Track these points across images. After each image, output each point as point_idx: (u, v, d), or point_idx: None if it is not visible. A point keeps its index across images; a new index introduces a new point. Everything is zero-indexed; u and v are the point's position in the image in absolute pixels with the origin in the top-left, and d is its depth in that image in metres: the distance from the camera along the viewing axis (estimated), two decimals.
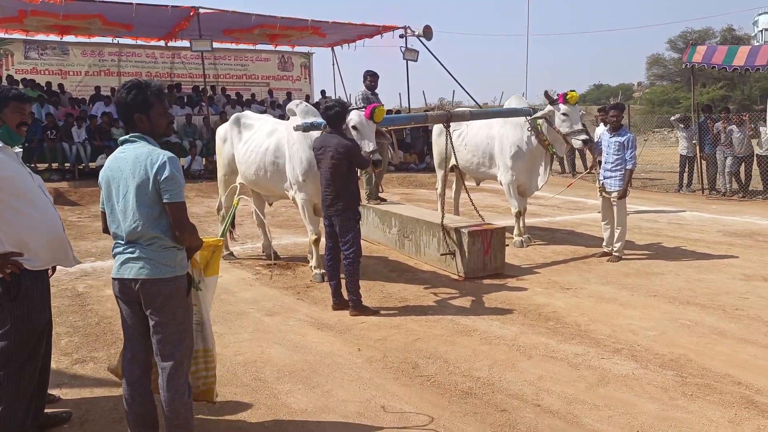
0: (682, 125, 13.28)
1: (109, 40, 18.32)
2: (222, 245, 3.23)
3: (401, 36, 17.01)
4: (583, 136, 6.94)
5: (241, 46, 19.73)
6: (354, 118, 5.30)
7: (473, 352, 4.22)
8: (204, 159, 15.06)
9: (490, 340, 4.45)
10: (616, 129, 6.85)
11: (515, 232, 7.66)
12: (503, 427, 3.20)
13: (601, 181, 6.96)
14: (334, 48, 19.58)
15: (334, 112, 5.04)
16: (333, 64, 19.92)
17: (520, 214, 7.62)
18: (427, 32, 16.32)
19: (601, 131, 10.52)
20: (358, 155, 5.02)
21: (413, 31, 16.62)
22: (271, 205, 7.54)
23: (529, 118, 7.17)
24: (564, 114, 6.92)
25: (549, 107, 7.03)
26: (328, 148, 5.00)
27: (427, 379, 3.81)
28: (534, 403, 3.46)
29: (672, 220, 9.50)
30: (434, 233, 6.57)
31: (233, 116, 6.95)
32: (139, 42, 18.58)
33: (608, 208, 6.94)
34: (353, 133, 5.24)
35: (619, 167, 6.75)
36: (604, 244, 7.07)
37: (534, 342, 4.39)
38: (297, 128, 5.73)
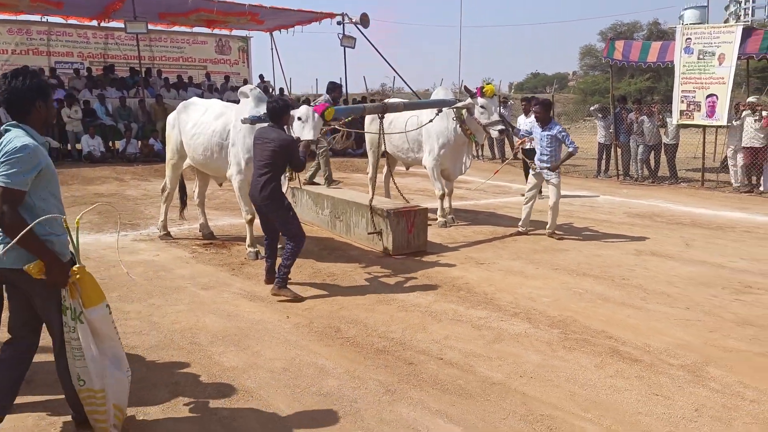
0: (600, 115, 14.21)
1: (37, 18, 17.81)
2: (82, 271, 2.83)
3: (339, 23, 17.33)
4: (499, 127, 7.47)
5: (178, 28, 19.56)
6: (302, 110, 5.59)
7: (390, 318, 4.73)
8: (139, 142, 15.02)
9: (406, 307, 4.97)
10: (545, 123, 7.42)
11: (438, 213, 8.19)
12: (409, 376, 3.72)
13: (537, 170, 7.53)
14: (273, 33, 19.68)
15: (272, 107, 5.24)
16: (271, 49, 20.04)
17: (443, 197, 8.13)
18: (364, 20, 16.71)
19: (523, 121, 11.24)
20: (296, 154, 5.20)
21: (350, 19, 16.97)
22: (221, 185, 7.82)
23: (452, 107, 7.68)
24: (482, 107, 7.41)
25: (469, 100, 7.50)
26: (268, 141, 5.16)
27: (347, 340, 4.29)
28: (437, 357, 4.00)
29: (585, 203, 10.32)
30: (363, 214, 7.04)
31: (182, 103, 7.20)
32: (71, 21, 18.14)
33: (535, 188, 7.63)
34: (296, 123, 5.52)
35: (554, 159, 7.39)
36: (520, 224, 7.73)
37: (445, 308, 4.94)
38: (244, 121, 5.93)
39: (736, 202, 10.70)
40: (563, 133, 7.40)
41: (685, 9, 66.65)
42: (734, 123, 11.88)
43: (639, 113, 13.26)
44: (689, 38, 12.55)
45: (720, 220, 8.84)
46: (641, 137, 13.10)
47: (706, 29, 12.75)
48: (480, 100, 7.43)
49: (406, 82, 21.76)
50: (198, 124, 6.71)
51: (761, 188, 11.73)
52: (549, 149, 7.39)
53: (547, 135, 7.39)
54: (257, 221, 5.89)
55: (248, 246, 6.55)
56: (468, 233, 7.84)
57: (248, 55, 21.73)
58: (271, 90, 20.18)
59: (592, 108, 14.80)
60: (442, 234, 7.71)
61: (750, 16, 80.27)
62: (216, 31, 20.24)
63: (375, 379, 3.67)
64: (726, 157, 12.82)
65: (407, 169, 9.83)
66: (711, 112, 12.16)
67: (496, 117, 7.50)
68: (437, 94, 8.28)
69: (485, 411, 3.30)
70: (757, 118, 11.51)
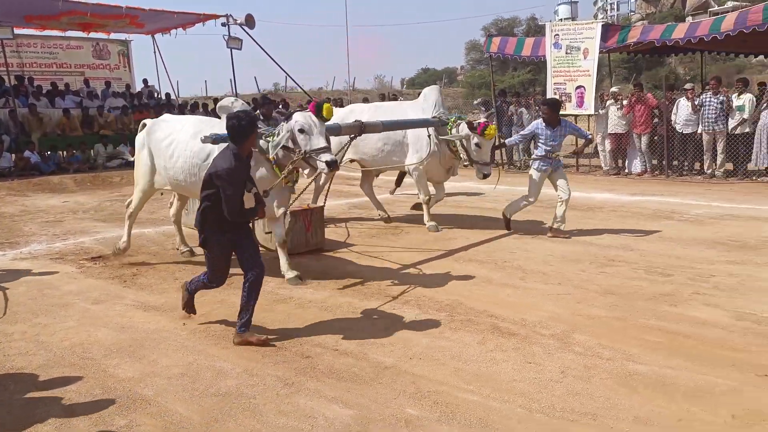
0: (483, 108, 15.00)
1: None
2: None
3: (223, 24, 17.03)
4: (486, 170, 7.33)
5: (49, 32, 18.42)
6: (299, 119, 5.21)
7: (288, 316, 4.87)
8: (13, 155, 14.07)
9: (303, 304, 5.13)
10: (555, 123, 7.18)
11: (426, 218, 7.86)
12: (306, 369, 3.89)
13: (545, 169, 7.28)
14: (155, 36, 19.01)
15: (231, 125, 4.24)
16: (154, 52, 19.34)
17: (429, 202, 7.86)
18: (249, 21, 16.54)
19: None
20: (227, 191, 4.12)
21: (235, 20, 16.74)
22: None
23: (449, 137, 7.38)
24: (477, 144, 7.19)
25: (466, 131, 7.21)
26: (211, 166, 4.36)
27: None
28: (333, 348, 4.19)
29: (474, 193, 10.90)
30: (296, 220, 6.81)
31: (151, 122, 6.56)
32: None
33: (537, 187, 7.36)
34: (300, 136, 5.17)
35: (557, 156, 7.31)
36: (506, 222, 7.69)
37: (341, 302, 5.14)
38: (205, 140, 5.39)
39: (605, 184, 11.71)
40: (572, 126, 7.57)
41: (559, 4, 71.02)
42: (600, 112, 12.96)
43: (518, 105, 14.13)
44: (557, 34, 13.52)
45: (591, 202, 9.67)
46: (521, 128, 13.96)
47: (571, 26, 13.82)
48: (476, 138, 7.17)
49: (296, 83, 21.67)
50: (174, 143, 6.06)
51: (626, 170, 12.89)
52: (557, 147, 7.25)
53: (560, 135, 7.25)
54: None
55: (284, 271, 5.81)
56: (363, 230, 8.09)
57: (129, 59, 20.86)
58: (156, 95, 19.50)
59: (475, 102, 15.59)
60: (338, 232, 7.91)
61: (615, 10, 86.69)
62: (93, 35, 19.23)
63: (273, 374, 3.81)
64: (596, 143, 13.95)
65: (377, 176, 9.21)
66: (580, 103, 13.19)
67: (487, 158, 7.31)
68: (427, 96, 7.90)
69: (377, 393, 3.53)
70: (619, 106, 12.63)
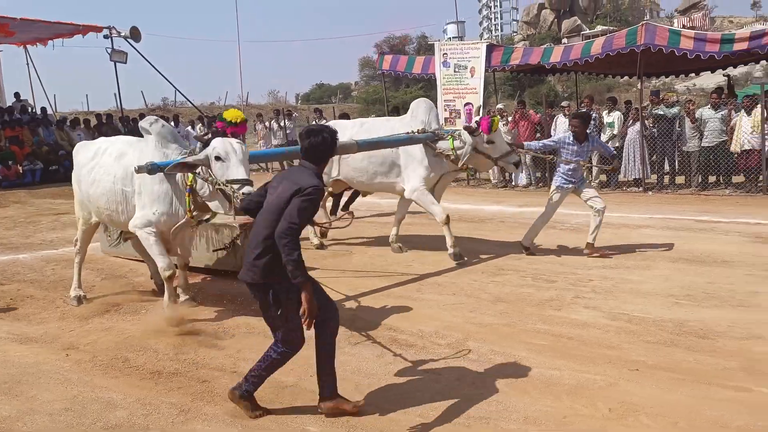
0: None
1: None
2: None
3: (106, 37, 16.25)
4: (515, 158, 6.74)
5: None
6: (217, 145, 4.61)
7: (182, 340, 4.70)
8: None
9: (197, 329, 4.97)
10: (583, 137, 6.72)
11: (448, 242, 6.74)
12: (203, 393, 3.78)
13: (567, 187, 6.80)
14: (27, 46, 17.76)
15: (316, 143, 3.42)
16: (27, 64, 18.07)
17: (448, 221, 6.76)
18: (135, 34, 15.92)
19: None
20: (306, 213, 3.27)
21: (119, 32, 16.03)
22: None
23: (450, 149, 6.64)
24: (490, 142, 6.60)
25: (470, 138, 6.55)
26: (286, 182, 3.36)
27: (137, 369, 4.19)
28: (232, 371, 4.10)
29: (371, 208, 11.03)
30: (201, 232, 6.29)
31: (78, 145, 5.96)
32: None
33: (555, 207, 6.93)
34: (216, 164, 4.58)
35: (581, 172, 6.93)
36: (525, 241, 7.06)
37: (238, 323, 5.04)
38: (139, 171, 4.79)
39: (494, 196, 12.29)
40: (601, 141, 7.51)
41: (448, 23, 73.82)
42: None
43: None
44: (446, 53, 14.09)
45: (481, 214, 10.12)
46: None
47: (458, 46, 14.45)
48: (486, 137, 6.56)
49: (186, 98, 21.13)
50: (95, 168, 5.44)
51: (513, 183, 13.61)
52: (582, 162, 6.82)
53: (587, 150, 6.82)
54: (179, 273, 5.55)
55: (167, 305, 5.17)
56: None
57: None
58: (31, 109, 18.19)
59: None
60: None
61: (499, 30, 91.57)
62: None
63: (168, 402, 3.67)
64: None
65: (363, 196, 8.63)
66: (469, 119, 13.77)
67: (506, 147, 6.72)
68: (416, 110, 7.07)
69: (278, 413, 3.50)
70: (504, 122, 13.32)
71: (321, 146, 3.43)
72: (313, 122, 14.19)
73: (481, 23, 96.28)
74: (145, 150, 5.14)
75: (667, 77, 16.20)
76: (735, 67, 14.95)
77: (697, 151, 11.52)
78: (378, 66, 16.12)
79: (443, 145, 6.70)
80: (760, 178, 10.85)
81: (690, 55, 11.60)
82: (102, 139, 6.03)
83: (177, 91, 23.78)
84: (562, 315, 4.98)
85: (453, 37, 66.60)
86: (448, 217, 6.76)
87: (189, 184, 4.87)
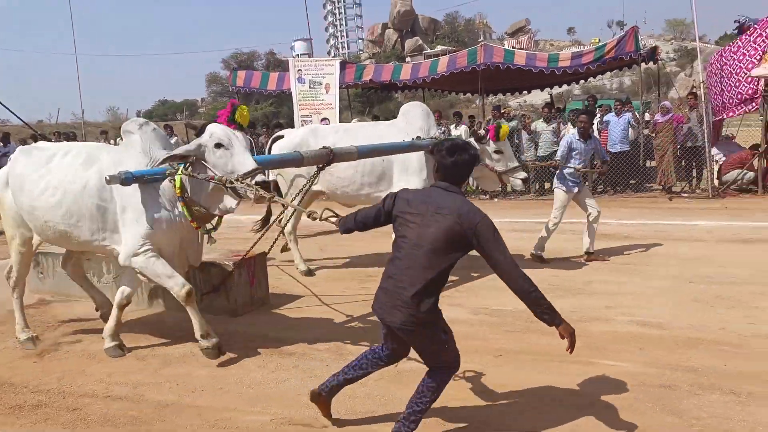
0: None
1: None
2: None
3: None
4: (523, 174, 6.33)
5: None
6: (214, 131, 4.04)
7: (42, 369, 4.38)
8: None
9: (59, 355, 4.65)
10: (587, 137, 6.84)
11: None
12: (76, 421, 3.57)
13: (575, 189, 6.83)
14: None
15: (462, 161, 3.03)
16: None
17: None
18: None
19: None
20: (502, 246, 2.92)
21: None
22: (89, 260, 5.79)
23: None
24: (498, 152, 6.20)
25: (476, 147, 5.77)
26: (440, 210, 2.94)
27: None
28: (104, 395, 3.90)
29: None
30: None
31: (18, 150, 4.94)
32: None
33: (563, 209, 6.93)
34: (216, 153, 3.99)
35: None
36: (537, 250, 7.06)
37: (101, 347, 4.76)
38: (111, 181, 4.07)
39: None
40: (598, 140, 7.26)
41: (295, 40, 74.15)
42: None
43: (267, 137, 14.48)
44: (300, 69, 14.28)
45: None
46: None
47: (312, 62, 14.70)
48: (493, 145, 6.17)
49: (12, 112, 19.18)
50: (48, 175, 4.54)
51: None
52: (585, 163, 6.91)
53: (591, 148, 6.92)
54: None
55: (200, 338, 4.42)
56: None
57: None
58: None
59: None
60: None
61: (346, 48, 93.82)
62: None
63: None
64: None
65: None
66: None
67: (515, 162, 6.28)
68: (409, 113, 6.53)
69: (161, 431, 3.41)
70: None
71: (468, 165, 3.05)
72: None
73: (328, 41, 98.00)
74: (126, 156, 4.38)
75: (503, 94, 17.70)
76: (560, 86, 16.76)
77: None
78: (231, 82, 15.90)
79: None
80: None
81: (524, 68, 12.85)
82: (56, 143, 5.39)
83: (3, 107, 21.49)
84: None
85: (301, 54, 67.13)
86: None
87: (178, 189, 4.13)
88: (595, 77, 15.63)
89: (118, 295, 4.58)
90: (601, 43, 13.93)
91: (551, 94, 16.55)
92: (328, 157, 4.94)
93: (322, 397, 3.33)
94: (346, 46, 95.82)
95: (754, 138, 12.59)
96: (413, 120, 6.49)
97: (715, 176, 11.93)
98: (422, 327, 2.95)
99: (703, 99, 11.70)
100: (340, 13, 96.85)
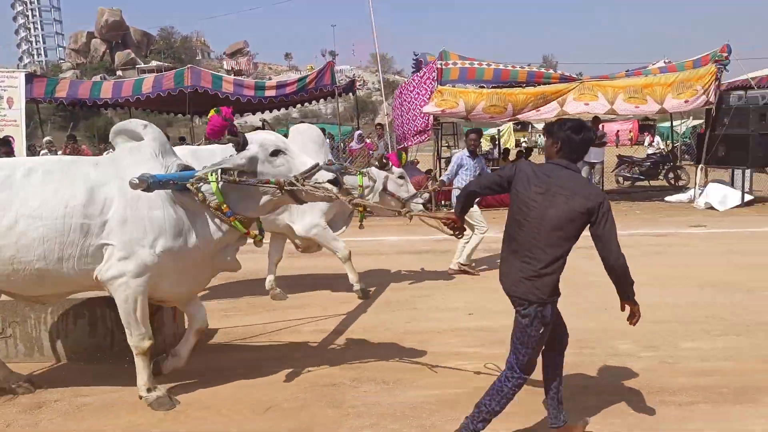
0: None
1: None
2: None
3: None
4: (422, 200, 6.49)
5: None
6: (267, 138, 3.75)
7: None
8: None
9: None
10: (474, 155, 7.40)
11: (352, 278, 6.33)
12: None
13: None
14: None
15: (585, 138, 3.11)
16: None
17: (350, 257, 6.30)
18: None
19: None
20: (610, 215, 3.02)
21: None
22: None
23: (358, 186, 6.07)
24: (401, 177, 6.33)
25: (381, 175, 6.20)
26: (564, 191, 3.01)
27: None
28: None
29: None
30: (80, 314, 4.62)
31: None
32: None
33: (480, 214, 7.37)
34: (276, 161, 3.65)
35: None
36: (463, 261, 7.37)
37: None
38: (137, 185, 3.42)
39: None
40: (482, 158, 7.71)
41: None
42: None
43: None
44: None
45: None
46: None
47: None
48: (397, 171, 6.31)
49: None
50: (15, 200, 3.57)
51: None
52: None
53: (478, 165, 7.37)
54: None
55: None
56: None
57: None
58: None
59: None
60: None
61: (43, 56, 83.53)
62: None
63: None
64: None
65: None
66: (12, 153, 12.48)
67: (413, 188, 6.45)
68: (302, 135, 6.13)
69: None
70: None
71: (590, 144, 3.18)
72: None
73: (19, 45, 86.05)
74: (132, 162, 3.68)
75: None
76: (270, 111, 17.53)
77: None
78: None
79: (351, 180, 6.14)
80: None
81: (231, 97, 13.22)
82: (14, 159, 4.40)
83: None
84: None
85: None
86: (350, 253, 6.33)
87: (220, 200, 3.64)
88: (303, 104, 16.69)
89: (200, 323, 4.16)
90: (303, 75, 15.04)
91: (263, 121, 17.19)
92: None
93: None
94: (43, 53, 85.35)
95: (429, 164, 14.91)
96: (305, 144, 6.12)
97: None
98: (542, 303, 3.03)
99: (387, 129, 13.46)
100: (33, 16, 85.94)
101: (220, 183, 3.61)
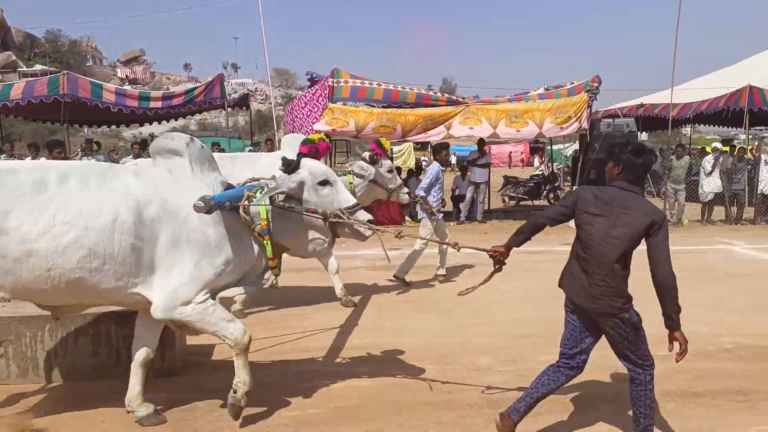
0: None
1: None
2: None
3: None
4: (406, 190, 6.79)
5: None
6: (316, 168, 3.72)
7: None
8: None
9: None
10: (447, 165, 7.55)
11: (339, 291, 6.52)
12: None
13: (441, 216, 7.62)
14: None
15: (645, 162, 3.30)
16: None
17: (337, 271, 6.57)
18: None
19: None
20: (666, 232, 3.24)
21: None
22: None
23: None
24: (390, 171, 6.58)
25: (371, 169, 6.32)
26: (623, 210, 3.23)
27: None
28: None
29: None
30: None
31: None
32: None
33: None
34: (322, 191, 3.66)
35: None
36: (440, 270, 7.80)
37: None
38: (201, 207, 3.33)
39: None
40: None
41: None
42: None
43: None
44: None
45: None
46: None
47: None
48: (386, 164, 6.54)
49: None
50: (50, 206, 3.28)
51: None
52: (443, 193, 7.80)
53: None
54: None
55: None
56: None
57: None
58: None
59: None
60: None
61: None
62: None
63: None
64: None
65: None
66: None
67: (398, 179, 6.75)
68: (293, 143, 5.65)
69: None
70: None
71: (650, 167, 3.39)
72: None
73: None
74: (172, 182, 3.56)
75: (99, 126, 16.92)
76: (159, 122, 16.86)
77: None
78: None
79: (354, 179, 6.38)
80: None
81: (113, 107, 12.62)
82: (43, 161, 4.34)
83: None
84: None
85: None
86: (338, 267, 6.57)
87: (264, 221, 3.57)
88: (193, 116, 16.24)
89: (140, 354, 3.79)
90: (190, 87, 14.63)
91: (151, 134, 16.54)
92: None
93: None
94: None
95: None
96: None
97: None
98: (620, 313, 3.22)
99: (277, 145, 13.32)
100: None
101: (268, 206, 3.58)
